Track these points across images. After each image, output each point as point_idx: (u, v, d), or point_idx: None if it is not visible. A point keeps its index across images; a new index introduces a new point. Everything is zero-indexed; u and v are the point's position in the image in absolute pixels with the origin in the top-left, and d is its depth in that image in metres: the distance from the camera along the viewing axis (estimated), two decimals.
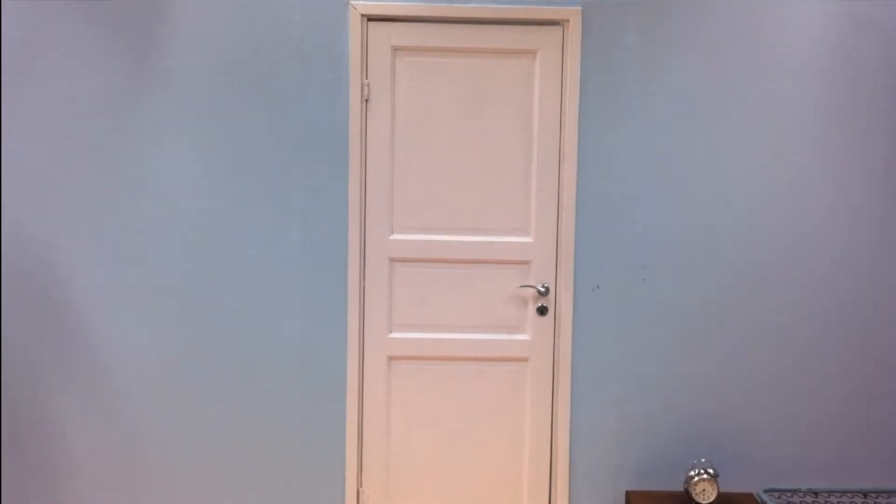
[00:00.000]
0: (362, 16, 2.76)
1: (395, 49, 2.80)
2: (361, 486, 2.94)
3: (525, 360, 2.92)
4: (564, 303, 2.87)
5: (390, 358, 2.91)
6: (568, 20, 2.77)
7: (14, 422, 2.87)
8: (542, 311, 2.89)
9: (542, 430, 2.94)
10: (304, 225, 2.83)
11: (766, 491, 2.78)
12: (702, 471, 2.70)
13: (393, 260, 2.88)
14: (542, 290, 2.87)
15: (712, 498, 2.68)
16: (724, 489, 2.88)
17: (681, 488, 2.89)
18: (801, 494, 2.79)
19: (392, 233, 2.87)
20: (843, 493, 2.80)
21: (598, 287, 2.87)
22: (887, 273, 2.85)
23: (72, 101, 2.76)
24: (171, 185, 2.80)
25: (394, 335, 2.91)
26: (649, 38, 2.78)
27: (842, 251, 2.84)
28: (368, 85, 2.81)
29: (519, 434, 2.95)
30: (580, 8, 2.75)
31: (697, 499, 2.68)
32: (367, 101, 2.81)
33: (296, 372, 2.88)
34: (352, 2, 2.75)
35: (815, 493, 2.79)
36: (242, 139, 2.80)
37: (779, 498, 2.77)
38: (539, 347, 2.92)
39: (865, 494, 2.79)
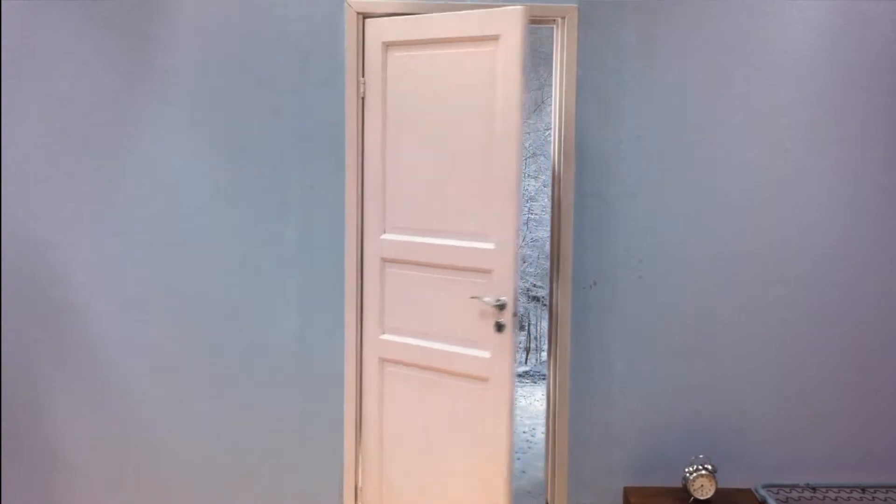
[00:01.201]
0: (358, 14, 2.75)
1: (387, 45, 2.73)
2: (360, 486, 2.92)
3: (485, 379, 2.61)
4: (563, 299, 2.86)
5: (381, 360, 2.84)
6: (564, 17, 2.77)
7: (12, 420, 2.84)
8: (499, 327, 2.56)
9: (495, 451, 2.61)
10: (300, 223, 2.82)
11: (764, 486, 2.78)
12: (700, 466, 2.68)
13: (385, 260, 2.81)
14: (498, 303, 2.54)
15: (710, 493, 2.67)
16: (723, 485, 2.89)
17: (679, 485, 2.89)
18: (800, 489, 2.79)
19: (384, 232, 2.82)
20: (842, 487, 2.81)
21: (594, 284, 2.87)
22: (884, 269, 2.86)
23: (69, 100, 2.73)
24: (167, 184, 2.78)
25: (384, 337, 2.83)
26: (646, 35, 2.78)
27: (839, 247, 2.85)
28: (365, 83, 2.79)
29: (493, 448, 2.62)
30: (576, 5, 2.76)
31: (696, 494, 2.67)
32: (363, 99, 2.79)
33: (292, 370, 2.86)
34: None
35: (814, 489, 2.79)
36: (239, 138, 2.78)
37: (777, 493, 2.77)
38: (496, 368, 2.58)
39: (863, 489, 2.79)
